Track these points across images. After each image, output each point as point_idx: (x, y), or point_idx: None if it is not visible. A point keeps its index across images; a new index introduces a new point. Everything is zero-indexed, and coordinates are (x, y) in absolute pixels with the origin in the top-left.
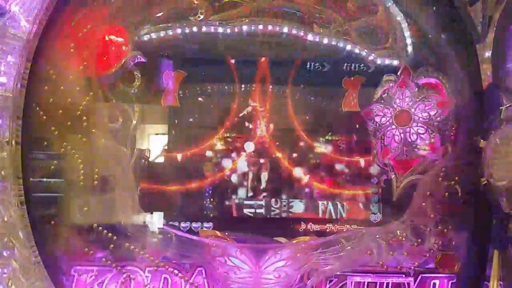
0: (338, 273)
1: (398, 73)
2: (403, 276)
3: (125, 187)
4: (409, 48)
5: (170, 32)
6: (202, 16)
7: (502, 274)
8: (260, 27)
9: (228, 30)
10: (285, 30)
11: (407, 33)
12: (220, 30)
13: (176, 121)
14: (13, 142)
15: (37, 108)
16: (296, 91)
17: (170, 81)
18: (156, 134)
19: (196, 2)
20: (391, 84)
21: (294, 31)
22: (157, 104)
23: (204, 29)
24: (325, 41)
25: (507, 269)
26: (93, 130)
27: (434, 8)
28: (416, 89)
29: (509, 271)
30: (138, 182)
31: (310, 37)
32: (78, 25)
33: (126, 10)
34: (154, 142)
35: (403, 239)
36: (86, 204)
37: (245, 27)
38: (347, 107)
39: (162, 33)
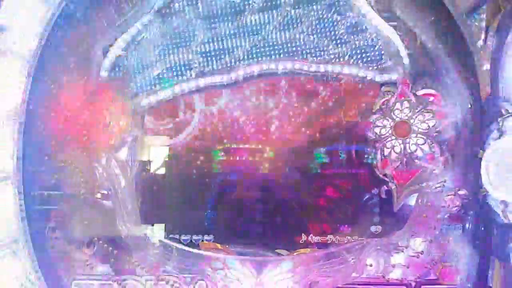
0: (339, 285)
1: (397, 85)
2: (405, 287)
3: (125, 201)
4: (405, 60)
5: (169, 92)
6: (197, 70)
7: (503, 285)
8: (256, 68)
9: (225, 77)
10: (280, 66)
11: (400, 46)
12: (217, 79)
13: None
14: (15, 157)
15: (38, 122)
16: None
17: None
18: (157, 146)
19: (190, 56)
20: (390, 95)
21: (289, 65)
22: None
23: (202, 81)
24: (322, 69)
25: (509, 280)
26: (93, 143)
27: (432, 18)
28: (415, 100)
29: (511, 282)
30: (139, 194)
31: (305, 68)
32: (78, 40)
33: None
34: (155, 154)
35: (404, 250)
36: (86, 218)
37: (241, 72)
38: (347, 117)
39: (161, 94)
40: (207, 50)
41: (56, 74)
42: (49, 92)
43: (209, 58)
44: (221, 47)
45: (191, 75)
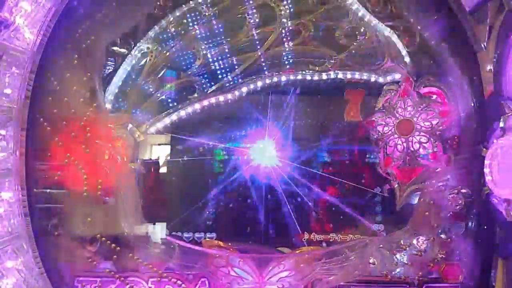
0: (342, 283)
1: (400, 83)
2: (407, 286)
3: (128, 198)
4: (406, 59)
5: (174, 116)
6: (200, 91)
7: (507, 283)
8: (259, 83)
9: (229, 96)
10: (283, 78)
11: (400, 45)
12: (221, 98)
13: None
14: (18, 153)
15: (41, 119)
16: None
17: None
18: (160, 144)
19: (191, 79)
20: (392, 94)
21: (291, 77)
22: None
23: (205, 103)
24: (324, 76)
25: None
26: (96, 141)
27: (435, 17)
28: (418, 98)
29: None
30: (142, 192)
31: (308, 77)
32: (81, 36)
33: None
34: (158, 153)
35: (407, 248)
36: (89, 215)
37: (244, 88)
38: (349, 117)
39: (167, 120)
40: (208, 71)
41: (59, 70)
42: (52, 89)
43: (211, 79)
44: (221, 66)
45: (194, 97)
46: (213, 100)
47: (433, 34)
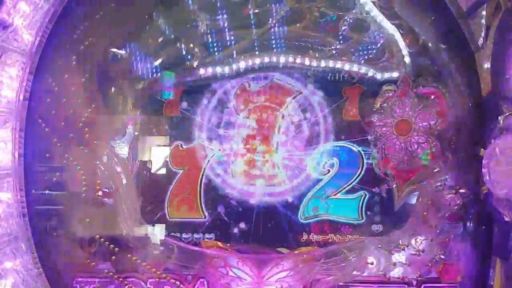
0: (340, 283)
1: (398, 83)
2: (406, 286)
3: (127, 199)
4: (407, 59)
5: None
6: (199, 60)
7: (504, 283)
8: (257, 60)
9: (227, 69)
10: (282, 60)
11: (402, 44)
12: (219, 70)
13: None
14: (16, 154)
15: (40, 120)
16: None
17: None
18: (158, 145)
19: (192, 47)
20: (390, 94)
21: (290, 59)
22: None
23: (202, 71)
24: (323, 64)
25: (509, 277)
26: (95, 142)
27: (433, 18)
28: (416, 98)
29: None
30: (140, 193)
31: (307, 62)
32: (80, 38)
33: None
34: (156, 154)
35: (405, 248)
36: (88, 216)
37: (242, 63)
38: (348, 116)
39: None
40: (209, 41)
41: (58, 71)
42: (50, 89)
43: (210, 49)
44: (222, 38)
45: (192, 65)
46: (210, 70)
47: (430, 35)
